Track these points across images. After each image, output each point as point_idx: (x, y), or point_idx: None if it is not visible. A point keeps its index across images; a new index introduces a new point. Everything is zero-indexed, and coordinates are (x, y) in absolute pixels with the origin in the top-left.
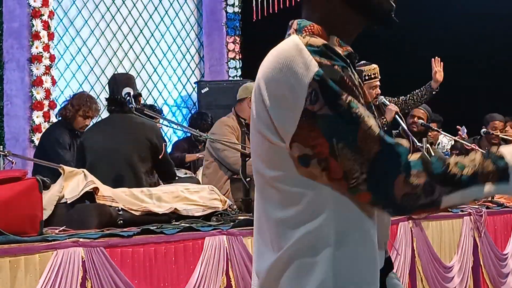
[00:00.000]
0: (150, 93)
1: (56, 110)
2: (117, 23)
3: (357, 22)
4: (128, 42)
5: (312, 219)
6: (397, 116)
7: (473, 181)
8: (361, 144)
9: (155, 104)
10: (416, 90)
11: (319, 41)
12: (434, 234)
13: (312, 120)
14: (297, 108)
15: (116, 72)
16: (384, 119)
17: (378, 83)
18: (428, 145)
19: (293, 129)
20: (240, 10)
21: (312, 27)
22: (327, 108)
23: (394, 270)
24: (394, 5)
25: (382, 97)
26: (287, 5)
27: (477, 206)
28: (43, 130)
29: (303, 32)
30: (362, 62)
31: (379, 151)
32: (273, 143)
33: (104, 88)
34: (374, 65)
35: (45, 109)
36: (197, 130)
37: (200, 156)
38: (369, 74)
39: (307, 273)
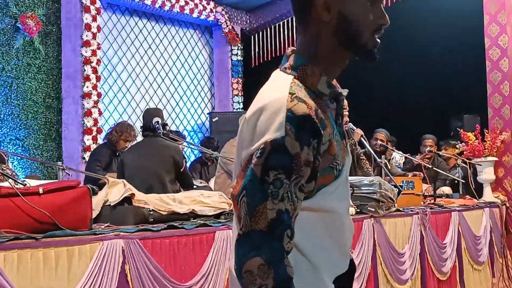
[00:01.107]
0: (174, 122)
1: (102, 134)
2: (148, 68)
3: (345, 57)
4: (157, 83)
5: None
6: (362, 138)
7: None
8: (256, 213)
9: (178, 130)
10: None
11: (302, 109)
12: (390, 228)
13: (247, 168)
14: (249, 152)
15: (148, 106)
16: (353, 140)
17: (346, 113)
18: (386, 161)
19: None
20: (242, 58)
21: (306, 68)
22: (259, 168)
23: (360, 256)
24: (378, 42)
25: (351, 123)
26: (278, 54)
27: (423, 207)
28: (92, 150)
29: (298, 70)
30: None
31: (260, 230)
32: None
33: (138, 117)
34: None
35: (94, 133)
36: (209, 150)
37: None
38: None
39: None
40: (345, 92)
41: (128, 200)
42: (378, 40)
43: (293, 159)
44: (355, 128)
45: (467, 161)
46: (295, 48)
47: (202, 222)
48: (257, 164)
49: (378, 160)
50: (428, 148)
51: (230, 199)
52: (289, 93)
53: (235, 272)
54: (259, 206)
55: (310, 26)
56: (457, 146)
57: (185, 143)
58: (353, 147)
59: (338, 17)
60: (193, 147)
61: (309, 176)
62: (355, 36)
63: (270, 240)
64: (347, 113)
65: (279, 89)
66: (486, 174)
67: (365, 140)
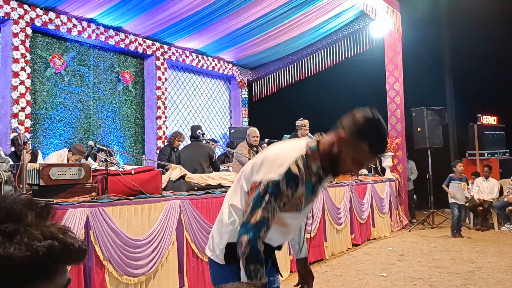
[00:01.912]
0: (208, 133)
1: (167, 139)
2: (194, 102)
3: (331, 167)
4: (199, 110)
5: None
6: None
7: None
8: (252, 213)
9: (213, 138)
10: None
11: (295, 171)
12: (332, 193)
13: (256, 187)
14: (259, 178)
15: (194, 124)
16: None
17: (307, 127)
18: None
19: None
20: (247, 96)
21: (314, 153)
22: (263, 190)
23: (315, 209)
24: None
25: (310, 134)
26: (268, 94)
27: (351, 181)
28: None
29: (310, 151)
30: (301, 118)
31: (251, 223)
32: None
33: (188, 130)
34: (306, 120)
35: (162, 139)
36: (229, 148)
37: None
38: (303, 124)
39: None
40: (327, 181)
41: (182, 177)
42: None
43: (281, 193)
44: (312, 136)
45: None
46: (322, 136)
47: (224, 190)
48: (263, 189)
49: None
50: None
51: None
52: (295, 160)
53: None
54: (256, 210)
55: (328, 139)
56: None
57: (216, 145)
58: None
59: (337, 154)
60: (220, 147)
61: (284, 203)
62: (338, 167)
63: (254, 230)
64: (307, 128)
65: (293, 154)
66: (387, 162)
67: None
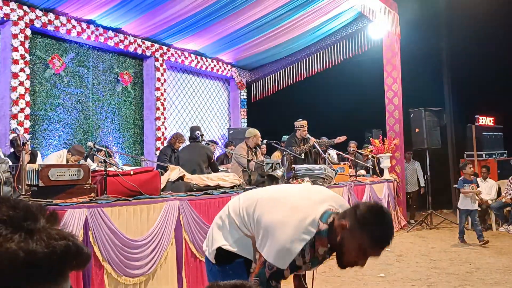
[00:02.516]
0: (207, 134)
1: (166, 140)
2: (193, 102)
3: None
4: (198, 111)
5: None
6: (315, 143)
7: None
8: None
9: (213, 138)
10: (320, 139)
11: (322, 246)
12: None
13: (262, 260)
14: (264, 255)
15: (193, 125)
16: (309, 144)
17: (306, 128)
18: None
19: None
20: (246, 97)
21: (322, 238)
22: (269, 275)
23: None
24: (363, 263)
25: (308, 135)
26: (266, 95)
27: (349, 182)
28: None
29: (319, 235)
30: (300, 119)
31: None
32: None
33: (187, 131)
34: (305, 120)
35: (161, 140)
36: (227, 148)
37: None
38: (302, 125)
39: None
40: (328, 257)
41: (181, 178)
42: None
43: (284, 275)
44: (310, 137)
45: (375, 156)
46: (336, 216)
47: (223, 190)
48: (268, 272)
49: (324, 155)
50: (352, 148)
51: (239, 177)
52: (300, 251)
53: None
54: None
55: (338, 226)
56: (369, 147)
57: (214, 145)
58: (311, 148)
59: (341, 241)
60: (218, 147)
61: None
62: (342, 256)
63: None
64: (306, 129)
65: (299, 241)
66: (385, 163)
67: (316, 144)
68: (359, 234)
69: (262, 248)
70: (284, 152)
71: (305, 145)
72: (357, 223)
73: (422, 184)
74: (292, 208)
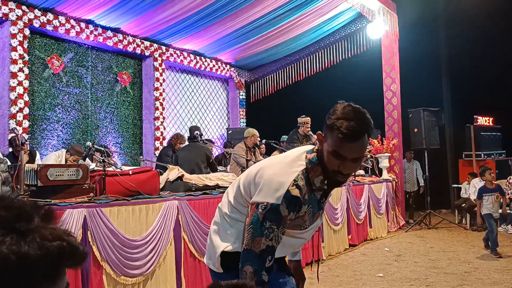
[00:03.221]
0: (206, 134)
1: (166, 141)
2: (192, 102)
3: (329, 173)
4: (197, 110)
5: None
6: (316, 141)
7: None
8: (255, 241)
9: (212, 138)
10: None
11: (295, 193)
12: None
13: (253, 209)
14: (255, 200)
15: (192, 124)
16: (311, 141)
17: (309, 125)
18: None
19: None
20: (245, 97)
21: (314, 166)
22: (262, 217)
23: None
24: (340, 176)
25: (311, 132)
26: (265, 95)
27: (348, 182)
28: (160, 149)
29: (309, 165)
30: (303, 115)
31: (255, 251)
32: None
33: (186, 131)
34: (308, 117)
35: (160, 140)
36: (226, 149)
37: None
38: (305, 121)
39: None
40: (331, 192)
41: (180, 178)
42: (339, 176)
43: (282, 218)
44: (313, 134)
45: (373, 156)
46: (318, 144)
47: (222, 190)
48: (261, 213)
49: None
50: None
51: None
52: (293, 180)
53: (239, 268)
54: (257, 238)
55: (323, 146)
56: (368, 147)
57: (213, 145)
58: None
59: (326, 153)
60: (217, 147)
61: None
62: (329, 168)
63: (259, 260)
64: (309, 125)
65: (290, 173)
66: (384, 163)
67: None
68: (329, 136)
69: (253, 196)
70: (287, 147)
71: (307, 142)
72: (327, 127)
73: (421, 183)
74: (283, 156)
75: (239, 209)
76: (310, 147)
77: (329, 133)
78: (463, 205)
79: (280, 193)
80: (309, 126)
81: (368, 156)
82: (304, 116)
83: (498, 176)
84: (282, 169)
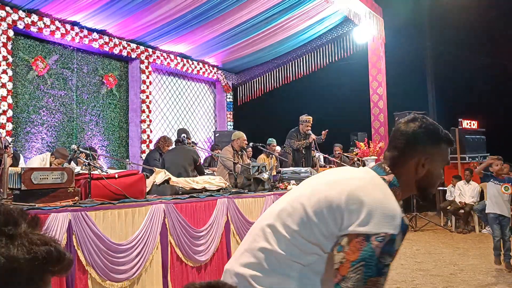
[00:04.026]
0: (194, 136)
1: (152, 143)
2: (179, 105)
3: (413, 193)
4: (183, 113)
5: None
6: (313, 141)
7: None
8: (369, 282)
9: (198, 141)
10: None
11: (406, 221)
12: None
13: (359, 240)
14: (364, 230)
15: (179, 127)
16: (307, 140)
17: (310, 124)
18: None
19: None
20: (232, 100)
21: (396, 190)
22: (379, 250)
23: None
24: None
25: (310, 131)
26: (252, 98)
27: None
28: (146, 152)
29: (394, 188)
30: (305, 113)
31: None
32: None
33: (173, 134)
34: (310, 116)
35: (147, 143)
36: (213, 151)
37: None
38: (307, 120)
39: None
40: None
41: (167, 181)
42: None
43: (395, 252)
44: (311, 133)
45: (360, 158)
46: (391, 167)
47: (209, 193)
48: (378, 246)
49: (317, 155)
50: (337, 152)
51: (225, 180)
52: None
53: None
54: (373, 278)
55: (406, 167)
56: (354, 150)
57: (199, 148)
58: (307, 144)
59: (426, 173)
60: (204, 150)
61: None
62: (430, 187)
63: None
64: (310, 124)
65: (393, 198)
66: (371, 166)
67: (315, 142)
68: (438, 151)
69: (357, 226)
70: (284, 146)
71: (304, 141)
72: (432, 141)
73: None
74: (360, 176)
75: (301, 247)
76: (367, 168)
77: (437, 149)
78: (449, 207)
79: (397, 222)
80: (310, 125)
81: (355, 159)
82: (306, 114)
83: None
84: (384, 193)
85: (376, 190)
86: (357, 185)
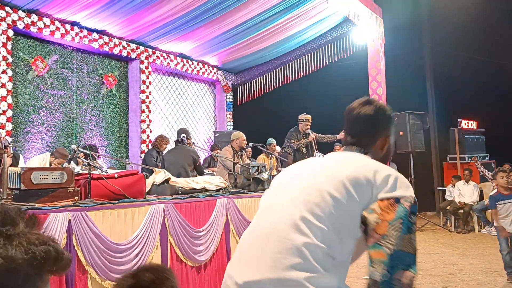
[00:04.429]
0: (193, 137)
1: (151, 143)
2: (178, 105)
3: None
4: (183, 113)
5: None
6: (313, 140)
7: None
8: (404, 239)
9: (198, 141)
10: (324, 135)
11: None
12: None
13: (394, 203)
14: (396, 194)
15: (179, 127)
16: (307, 139)
17: (309, 123)
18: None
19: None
20: (232, 100)
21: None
22: (409, 211)
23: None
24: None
25: (310, 130)
26: (252, 98)
27: None
28: (145, 151)
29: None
30: (304, 113)
31: (410, 253)
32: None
33: (173, 134)
34: (309, 115)
35: (146, 143)
36: (212, 151)
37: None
38: (306, 118)
39: None
40: None
41: (166, 181)
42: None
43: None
44: (311, 132)
45: None
46: (365, 150)
47: (209, 193)
48: (408, 206)
49: (316, 155)
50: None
51: (224, 180)
52: None
53: (381, 276)
54: (407, 235)
55: (375, 146)
56: None
57: (199, 148)
58: (307, 144)
59: (387, 149)
60: (204, 150)
61: None
62: (388, 161)
63: (415, 262)
64: (309, 123)
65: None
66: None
67: (314, 142)
68: (391, 128)
69: (386, 192)
70: (283, 146)
71: (304, 140)
72: (387, 121)
73: None
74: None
75: (337, 235)
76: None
77: (391, 125)
78: (448, 207)
79: (411, 190)
80: (310, 124)
81: None
82: (305, 113)
83: (481, 179)
84: (377, 164)
85: (387, 166)
86: (373, 162)
